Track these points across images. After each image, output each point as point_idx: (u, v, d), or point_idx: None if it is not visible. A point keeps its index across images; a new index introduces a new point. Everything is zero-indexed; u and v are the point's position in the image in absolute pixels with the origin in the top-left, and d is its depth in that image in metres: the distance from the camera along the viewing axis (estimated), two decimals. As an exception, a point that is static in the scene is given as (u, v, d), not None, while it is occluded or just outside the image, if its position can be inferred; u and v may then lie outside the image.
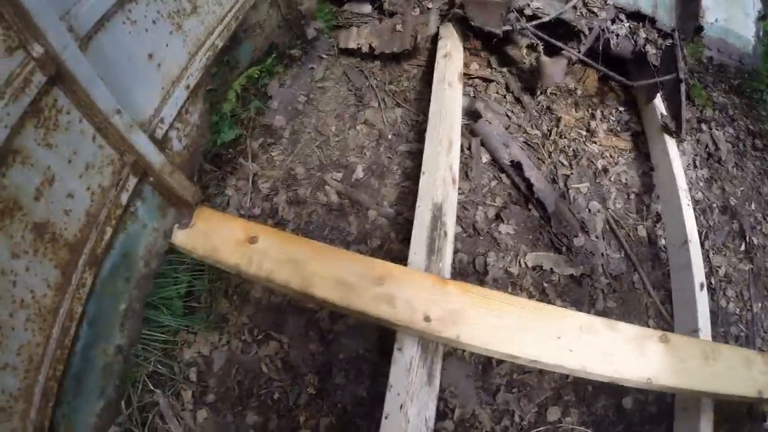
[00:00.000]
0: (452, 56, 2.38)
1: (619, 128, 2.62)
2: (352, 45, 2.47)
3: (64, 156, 1.27)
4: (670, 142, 2.56)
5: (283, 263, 1.61)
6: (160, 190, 1.63)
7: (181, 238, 1.72)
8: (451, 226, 1.83)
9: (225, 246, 1.67)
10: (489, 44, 2.54)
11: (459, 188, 2.05)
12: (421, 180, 1.87)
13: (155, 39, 1.58)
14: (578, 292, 2.13)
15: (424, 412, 1.44)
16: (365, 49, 2.44)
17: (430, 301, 1.54)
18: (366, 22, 2.52)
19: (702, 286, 2.10)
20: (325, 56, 2.48)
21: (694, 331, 1.99)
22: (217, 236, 1.69)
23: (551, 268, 2.08)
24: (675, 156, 2.41)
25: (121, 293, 1.58)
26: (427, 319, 1.51)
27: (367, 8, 2.56)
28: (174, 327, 1.80)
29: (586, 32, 2.47)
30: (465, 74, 2.46)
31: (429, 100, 2.14)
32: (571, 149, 2.40)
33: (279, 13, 2.44)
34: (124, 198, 1.49)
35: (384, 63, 2.49)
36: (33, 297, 1.24)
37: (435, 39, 2.60)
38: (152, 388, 1.70)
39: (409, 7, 2.49)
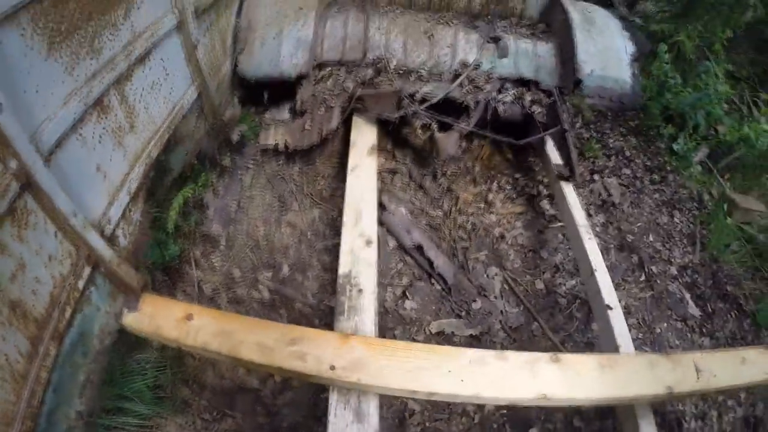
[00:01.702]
0: (357, 144, 2.95)
1: (514, 194, 3.24)
2: (271, 142, 3.29)
3: (33, 248, 1.73)
4: (567, 187, 3.13)
5: (215, 335, 2.15)
6: (110, 278, 2.14)
7: (129, 320, 2.24)
8: (366, 282, 2.34)
9: (167, 324, 2.20)
10: (388, 128, 3.23)
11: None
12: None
13: (101, 154, 2.14)
14: (478, 348, 2.63)
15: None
16: (281, 146, 3.25)
17: (335, 353, 2.07)
18: (283, 123, 3.03)
19: (610, 307, 2.49)
20: (251, 165, 3.12)
21: (615, 349, 2.36)
22: (160, 317, 2.23)
23: (452, 332, 2.61)
24: (572, 197, 3.01)
25: (80, 365, 2.03)
26: (332, 368, 2.04)
27: (286, 114, 3.11)
28: (146, 414, 2.40)
29: (473, 106, 3.01)
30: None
31: (342, 197, 2.67)
32: (469, 223, 3.01)
33: (206, 123, 3.17)
34: (81, 284, 1.96)
35: (302, 167, 3.11)
36: (7, 361, 1.63)
37: (347, 132, 3.10)
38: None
39: (316, 107, 3.10)
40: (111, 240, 2.19)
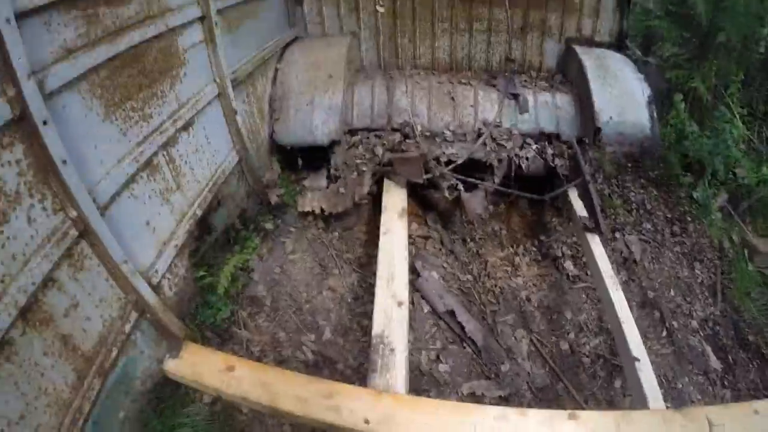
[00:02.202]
0: (388, 208, 3.33)
1: (539, 257, 3.45)
2: (308, 208, 3.53)
3: (86, 290, 1.93)
4: (593, 239, 3.25)
5: (255, 386, 2.31)
6: (155, 325, 2.36)
7: (171, 366, 2.42)
8: (397, 342, 2.54)
9: (208, 373, 2.38)
10: (417, 190, 3.44)
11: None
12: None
13: (151, 209, 2.40)
14: (507, 408, 2.85)
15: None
16: (317, 211, 3.52)
17: (369, 408, 2.22)
18: (320, 190, 3.30)
19: (638, 359, 2.58)
20: (292, 229, 3.30)
21: (643, 401, 2.45)
22: (202, 365, 2.42)
23: (483, 393, 2.82)
24: (598, 250, 3.13)
25: (121, 404, 2.20)
26: (366, 422, 2.17)
27: (323, 182, 3.36)
28: None
29: (496, 164, 3.22)
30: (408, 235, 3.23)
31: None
32: (497, 287, 3.24)
33: (247, 184, 3.47)
34: (127, 328, 2.16)
35: (341, 232, 3.36)
36: (54, 389, 1.79)
37: (379, 195, 3.34)
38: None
39: (348, 172, 3.50)
40: (157, 289, 2.39)
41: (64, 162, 1.73)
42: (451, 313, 3.13)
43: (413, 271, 3.37)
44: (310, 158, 3.74)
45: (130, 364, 2.23)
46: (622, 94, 3.71)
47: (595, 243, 3.27)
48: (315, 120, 3.56)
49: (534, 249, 3.70)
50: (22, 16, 1.58)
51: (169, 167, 2.55)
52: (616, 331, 2.88)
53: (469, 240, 3.61)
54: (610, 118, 3.62)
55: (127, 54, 2.14)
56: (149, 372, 2.39)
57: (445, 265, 3.44)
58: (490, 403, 2.99)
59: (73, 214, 1.82)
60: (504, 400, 2.99)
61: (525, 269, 3.54)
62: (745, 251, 4.05)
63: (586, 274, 3.62)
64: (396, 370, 2.45)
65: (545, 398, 3.09)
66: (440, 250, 3.53)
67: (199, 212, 2.79)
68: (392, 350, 2.53)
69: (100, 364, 2.00)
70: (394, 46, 4.46)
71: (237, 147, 3.23)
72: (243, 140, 3.24)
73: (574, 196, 3.61)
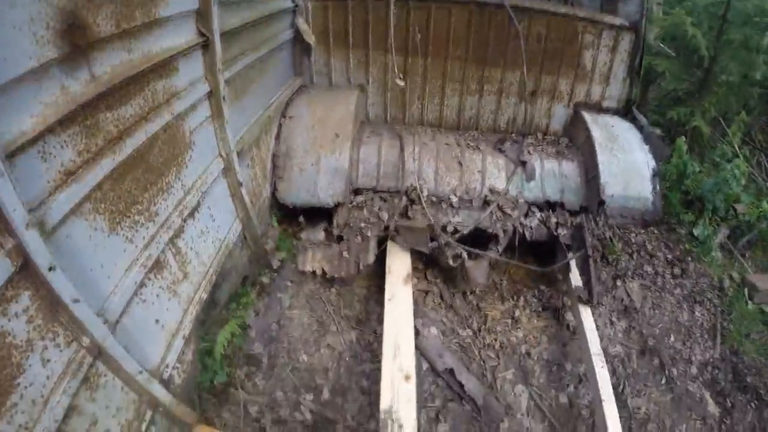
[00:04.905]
0: (392, 272, 3.24)
1: (540, 308, 3.56)
2: (309, 268, 3.48)
3: (103, 405, 2.00)
4: (585, 311, 3.39)
5: None
6: (168, 417, 2.46)
7: None
8: (405, 419, 2.69)
9: None
10: (421, 255, 3.42)
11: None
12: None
13: (159, 308, 2.43)
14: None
15: None
16: (319, 272, 3.36)
17: None
18: (320, 247, 3.38)
19: None
20: (290, 283, 3.40)
21: None
22: None
23: (482, 453, 2.93)
24: (589, 322, 3.38)
25: None
26: None
27: (321, 234, 3.45)
28: None
29: (501, 234, 3.34)
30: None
31: (378, 320, 3.02)
32: (497, 342, 3.33)
33: (249, 251, 3.51)
34: (143, 426, 2.26)
35: (339, 289, 3.41)
36: None
37: (382, 254, 3.44)
38: None
39: (352, 234, 3.37)
40: (168, 383, 2.48)
41: (76, 300, 1.73)
42: (451, 372, 3.20)
43: (412, 328, 3.49)
44: (311, 215, 3.80)
45: (146, 458, 2.36)
46: (628, 168, 3.89)
47: (586, 314, 3.46)
48: (320, 182, 3.63)
49: (535, 300, 3.79)
50: (11, 155, 1.50)
51: (176, 259, 2.57)
52: (597, 408, 3.09)
53: (469, 293, 3.69)
54: (615, 192, 3.81)
55: (130, 156, 2.08)
56: (164, 461, 2.52)
57: (444, 320, 3.51)
58: (490, 464, 3.14)
59: (86, 342, 1.85)
60: (504, 460, 3.14)
61: (525, 322, 3.62)
62: (745, 290, 4.23)
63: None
64: None
65: (545, 455, 3.23)
66: (440, 304, 3.61)
67: (204, 296, 2.86)
68: (401, 426, 2.67)
69: (120, 473, 2.10)
70: (402, 102, 4.58)
71: (240, 215, 3.26)
72: (246, 208, 3.25)
73: (573, 264, 3.74)
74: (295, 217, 3.81)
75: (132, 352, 2.13)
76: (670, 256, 4.22)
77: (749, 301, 4.18)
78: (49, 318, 1.70)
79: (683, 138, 4.62)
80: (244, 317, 3.38)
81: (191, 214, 2.67)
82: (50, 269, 1.62)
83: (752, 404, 3.65)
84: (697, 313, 4.05)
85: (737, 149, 4.74)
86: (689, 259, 4.29)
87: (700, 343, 3.89)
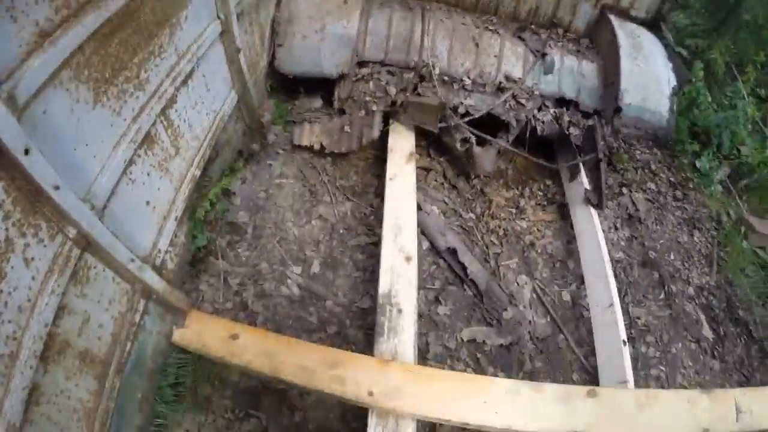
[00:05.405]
0: (395, 150, 2.99)
1: (545, 202, 3.38)
2: (306, 142, 3.22)
3: (95, 299, 1.86)
4: (593, 213, 3.31)
5: (259, 355, 2.33)
6: (160, 303, 2.31)
7: (178, 337, 2.44)
8: (405, 302, 2.47)
9: (213, 342, 2.40)
10: (425, 135, 3.16)
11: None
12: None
13: (150, 188, 2.22)
14: (508, 358, 2.88)
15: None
16: (317, 147, 3.08)
17: (374, 380, 2.24)
18: (318, 118, 3.08)
19: (625, 342, 2.75)
20: (281, 151, 3.12)
21: (622, 382, 2.57)
22: (207, 335, 2.44)
23: (484, 340, 2.73)
24: (598, 227, 3.20)
25: (138, 386, 2.24)
26: (370, 394, 2.20)
27: (318, 102, 3.14)
28: (165, 412, 2.45)
29: (514, 124, 3.13)
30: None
31: (375, 193, 2.73)
32: (501, 229, 3.14)
33: (243, 124, 3.20)
34: (137, 317, 2.12)
35: (335, 159, 3.09)
36: (81, 404, 1.81)
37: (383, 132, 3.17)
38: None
39: (356, 108, 3.11)
40: (161, 269, 2.33)
41: (57, 187, 1.50)
42: (453, 252, 2.98)
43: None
44: (311, 88, 3.49)
45: (141, 347, 2.22)
46: (649, 80, 3.70)
47: (595, 219, 3.24)
48: (324, 50, 3.31)
49: (540, 193, 3.60)
50: None
51: (168, 133, 2.30)
52: (601, 313, 2.94)
53: (473, 176, 3.46)
54: (633, 101, 3.63)
55: (118, 14, 1.75)
56: (159, 349, 2.39)
57: (446, 200, 3.28)
58: (491, 352, 2.93)
59: (72, 233, 1.65)
60: (505, 349, 2.88)
61: (530, 213, 3.43)
62: (741, 228, 4.18)
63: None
64: (404, 333, 2.39)
65: (546, 350, 3.03)
66: (442, 184, 3.37)
67: (197, 173, 2.61)
68: (400, 311, 2.45)
69: (118, 362, 2.00)
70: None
71: (237, 86, 2.95)
72: (243, 77, 2.95)
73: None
74: (294, 89, 3.48)
75: (122, 239, 1.95)
76: (672, 179, 4.11)
77: (745, 240, 4.14)
78: (28, 210, 1.48)
79: (701, 63, 4.52)
80: (229, 185, 3.06)
81: (185, 83, 2.36)
82: (26, 152, 1.37)
83: (742, 338, 3.59)
84: (695, 237, 3.96)
85: (747, 92, 4.67)
86: (690, 186, 4.20)
87: (698, 267, 3.81)
